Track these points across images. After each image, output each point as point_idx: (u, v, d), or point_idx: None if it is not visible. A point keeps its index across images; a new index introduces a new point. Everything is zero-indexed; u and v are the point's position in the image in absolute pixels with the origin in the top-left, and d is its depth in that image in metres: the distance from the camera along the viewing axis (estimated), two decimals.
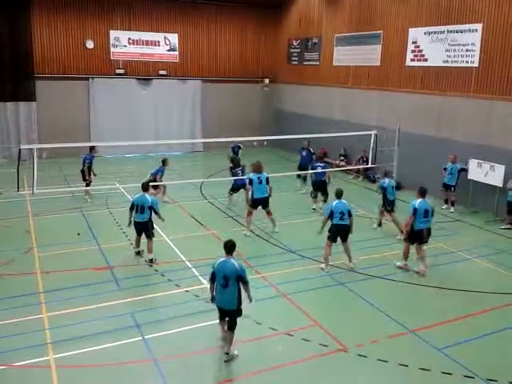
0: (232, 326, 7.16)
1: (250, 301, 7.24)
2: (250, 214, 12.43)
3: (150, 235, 10.69)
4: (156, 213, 10.74)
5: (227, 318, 7.23)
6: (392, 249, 11.67)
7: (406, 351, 7.59)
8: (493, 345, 7.84)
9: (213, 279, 7.16)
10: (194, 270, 10.25)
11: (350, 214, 10.23)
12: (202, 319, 8.24)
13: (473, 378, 6.93)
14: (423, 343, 7.77)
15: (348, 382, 6.97)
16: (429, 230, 10.26)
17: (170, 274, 9.98)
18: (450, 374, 7.00)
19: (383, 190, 12.45)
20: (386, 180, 12.52)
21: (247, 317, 8.24)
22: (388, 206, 12.55)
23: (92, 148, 15.44)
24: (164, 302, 8.88)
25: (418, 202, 10.06)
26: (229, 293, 7.01)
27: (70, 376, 6.84)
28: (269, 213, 12.52)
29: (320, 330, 8.04)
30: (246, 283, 7.08)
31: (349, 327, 8.30)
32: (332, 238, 10.30)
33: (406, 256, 10.43)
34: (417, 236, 10.15)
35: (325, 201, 14.31)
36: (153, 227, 10.83)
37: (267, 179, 12.39)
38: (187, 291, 9.25)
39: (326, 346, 7.58)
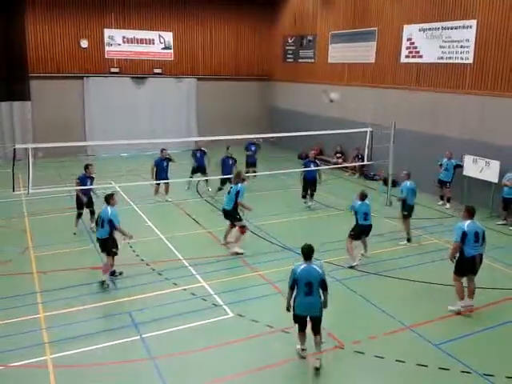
0: (319, 330, 7.01)
1: (326, 307, 7.01)
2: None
3: (109, 253, 9.40)
4: (115, 227, 9.28)
5: (309, 326, 7.02)
6: (388, 246, 11.71)
7: (403, 347, 7.61)
8: (489, 340, 7.88)
9: (293, 286, 6.86)
10: (190, 268, 10.25)
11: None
12: (199, 317, 8.24)
13: (469, 373, 6.96)
14: (420, 339, 7.80)
15: (345, 379, 7.00)
16: (481, 257, 8.54)
17: (167, 273, 9.97)
18: (447, 369, 7.03)
19: (405, 194, 11.60)
20: (408, 183, 11.72)
21: (244, 315, 8.27)
22: (405, 210, 11.78)
23: (86, 167, 12.48)
24: (161, 300, 8.86)
25: (466, 224, 8.43)
26: (314, 299, 6.84)
27: (68, 376, 6.83)
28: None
29: None
30: (326, 288, 6.91)
31: (346, 324, 8.32)
32: (356, 237, 10.62)
33: (460, 295, 8.59)
34: (468, 265, 8.42)
35: (312, 195, 14.54)
36: (115, 245, 9.50)
37: (237, 193, 11.11)
38: (184, 290, 9.25)
39: (323, 342, 7.60)
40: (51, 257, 10.75)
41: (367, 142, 15.29)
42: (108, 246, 9.39)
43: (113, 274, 9.67)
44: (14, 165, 11.44)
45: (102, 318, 8.33)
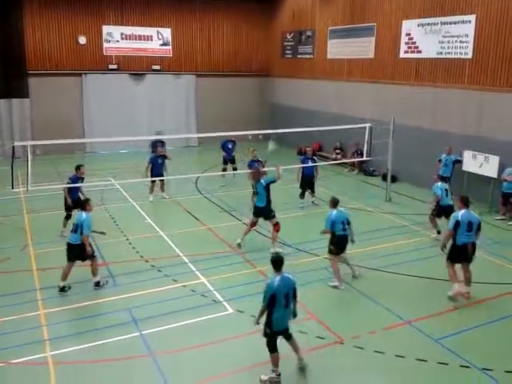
0: (290, 334, 6.79)
1: (296, 315, 6.82)
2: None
3: (87, 257, 9.05)
4: (81, 233, 8.78)
5: (280, 337, 6.70)
6: (387, 241, 11.72)
7: (403, 342, 7.63)
8: (489, 335, 7.90)
9: (271, 303, 6.40)
10: (190, 264, 10.26)
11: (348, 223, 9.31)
12: (199, 314, 8.26)
13: (469, 367, 6.99)
14: (420, 334, 7.82)
15: (345, 374, 7.00)
16: (474, 246, 8.77)
17: (167, 270, 9.98)
18: (446, 364, 7.05)
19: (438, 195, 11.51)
20: (439, 184, 11.69)
21: (243, 311, 8.28)
22: (436, 210, 11.72)
23: (78, 168, 11.86)
24: (161, 297, 8.87)
25: (460, 213, 8.72)
26: (289, 311, 6.59)
27: (68, 372, 6.85)
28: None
29: (317, 323, 8.07)
30: (296, 296, 6.67)
31: (345, 319, 8.35)
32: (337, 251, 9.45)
33: (454, 278, 8.84)
34: (460, 252, 8.71)
35: (313, 192, 14.55)
36: (87, 249, 8.94)
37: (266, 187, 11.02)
38: (184, 286, 9.27)
39: (323, 338, 7.62)
40: (51, 254, 10.73)
41: (366, 138, 15.28)
42: (81, 251, 8.91)
43: (62, 289, 9.01)
44: (12, 162, 11.42)
45: (101, 315, 8.34)
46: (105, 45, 22.38)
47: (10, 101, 20.97)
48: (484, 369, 6.93)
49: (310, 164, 14.34)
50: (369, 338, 7.68)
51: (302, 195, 14.42)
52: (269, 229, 11.53)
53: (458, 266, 8.93)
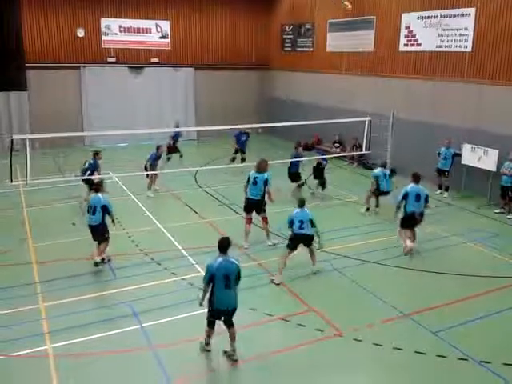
0: (232, 323, 6.96)
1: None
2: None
3: (102, 240, 9.63)
4: (109, 213, 9.60)
5: (222, 319, 6.93)
6: (385, 234, 11.74)
7: (401, 335, 7.67)
8: (487, 328, 7.93)
9: (209, 282, 6.77)
10: (189, 258, 10.29)
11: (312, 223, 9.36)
12: (198, 306, 8.26)
13: (467, 360, 7.03)
14: (418, 327, 7.86)
15: (344, 367, 7.05)
16: (421, 214, 10.32)
17: (166, 263, 10.00)
18: (444, 356, 7.09)
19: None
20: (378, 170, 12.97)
21: (242, 304, 8.30)
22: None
23: (96, 153, 13.25)
24: (160, 290, 8.90)
25: (409, 186, 10.32)
26: (232, 292, 6.81)
27: (68, 365, 6.88)
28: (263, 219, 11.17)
29: (316, 315, 8.10)
30: (240, 279, 6.92)
31: (344, 312, 8.37)
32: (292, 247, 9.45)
33: (404, 240, 10.43)
34: (409, 219, 10.27)
35: (323, 185, 14.78)
36: (106, 231, 9.68)
37: (265, 181, 10.89)
38: (183, 279, 9.29)
39: (322, 330, 7.66)
40: (50, 247, 10.76)
41: (366, 132, 15.27)
42: (100, 232, 9.59)
43: (102, 260, 9.73)
44: (11, 155, 11.41)
45: (101, 308, 8.37)
46: (103, 37, 22.27)
47: (9, 94, 20.88)
48: (482, 361, 6.98)
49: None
50: (367, 330, 7.72)
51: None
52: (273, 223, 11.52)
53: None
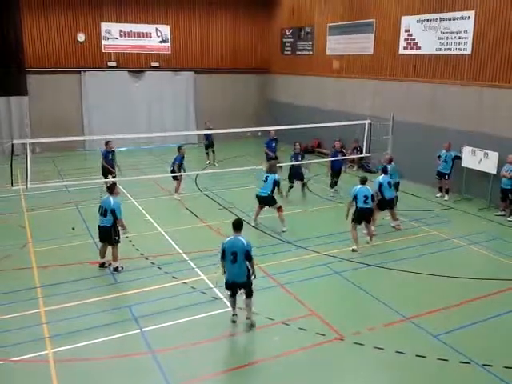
0: (249, 293, 7.75)
1: (254, 277, 7.85)
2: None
3: (112, 242, 9.69)
4: (116, 218, 9.55)
5: (242, 290, 7.76)
6: (385, 238, 11.74)
7: (403, 339, 7.65)
8: (488, 331, 7.91)
9: (223, 256, 7.69)
10: (190, 262, 10.27)
11: (372, 199, 11.08)
12: (199, 311, 8.28)
13: (468, 363, 7.00)
14: (419, 330, 7.84)
15: (345, 371, 7.03)
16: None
17: (167, 267, 9.99)
18: (446, 360, 7.07)
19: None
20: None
21: (243, 308, 8.29)
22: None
23: (106, 143, 15.27)
24: (161, 294, 8.89)
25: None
26: (238, 267, 7.58)
27: (69, 370, 6.86)
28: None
29: (317, 319, 8.09)
30: (251, 259, 7.66)
31: (345, 316, 8.36)
32: (357, 221, 11.02)
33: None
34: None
35: (335, 183, 15.33)
36: (117, 234, 9.73)
37: (274, 182, 12.08)
38: (185, 283, 9.28)
39: (323, 334, 7.64)
40: (51, 251, 10.76)
41: (366, 134, 15.27)
42: (110, 235, 9.63)
43: (102, 265, 9.89)
44: (12, 160, 11.43)
45: (102, 312, 8.35)
46: (103, 42, 22.34)
47: (9, 99, 20.93)
48: (484, 365, 6.95)
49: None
50: (369, 334, 7.70)
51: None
52: (267, 224, 11.53)
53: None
